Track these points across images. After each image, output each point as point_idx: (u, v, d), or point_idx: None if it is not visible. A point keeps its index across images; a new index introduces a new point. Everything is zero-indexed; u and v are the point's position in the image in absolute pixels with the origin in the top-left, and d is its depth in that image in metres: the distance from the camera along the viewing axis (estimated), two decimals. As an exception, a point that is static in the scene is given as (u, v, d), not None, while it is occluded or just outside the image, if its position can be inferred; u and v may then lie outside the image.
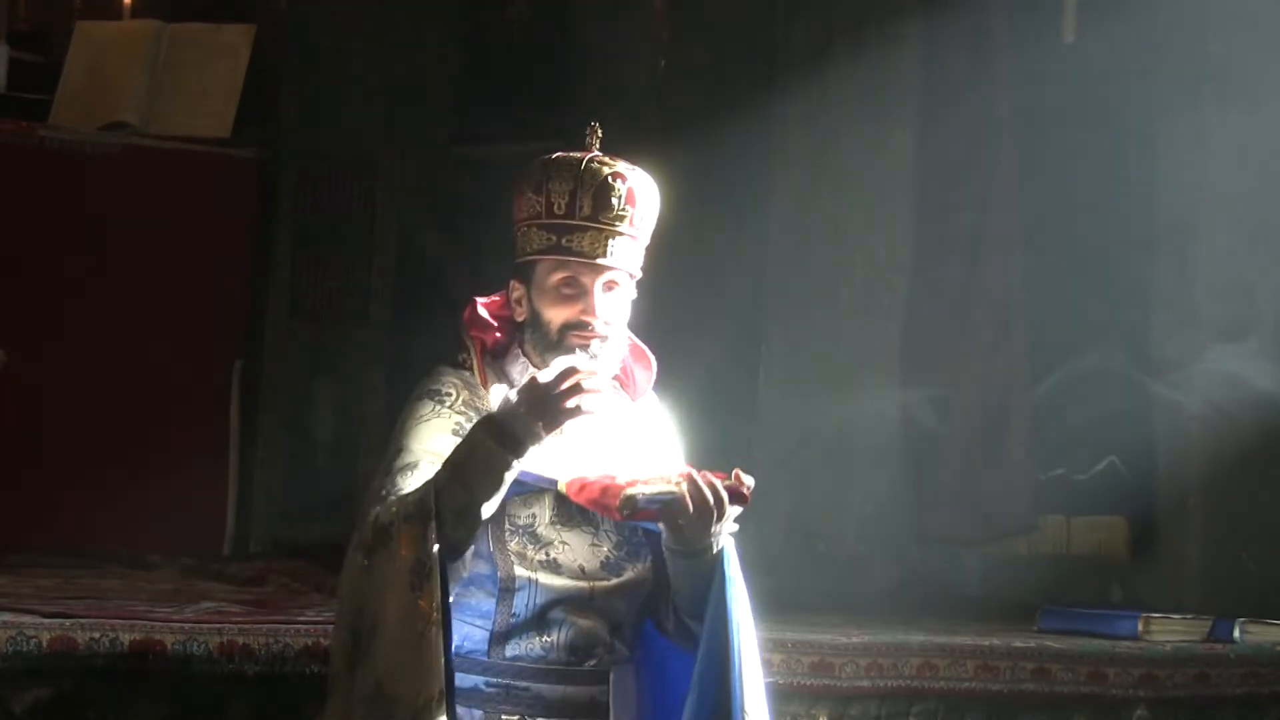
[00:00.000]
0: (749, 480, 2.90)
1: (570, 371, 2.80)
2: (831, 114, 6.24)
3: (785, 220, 6.38)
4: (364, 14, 6.99)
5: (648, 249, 3.05)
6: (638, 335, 3.11)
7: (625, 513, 2.79)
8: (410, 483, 2.88)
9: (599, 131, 3.01)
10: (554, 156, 2.99)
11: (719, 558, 2.95)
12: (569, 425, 2.87)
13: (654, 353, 3.12)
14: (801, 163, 6.33)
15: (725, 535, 2.93)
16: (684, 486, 2.83)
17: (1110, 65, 5.58)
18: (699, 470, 2.87)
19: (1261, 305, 5.37)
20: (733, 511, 2.90)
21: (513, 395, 2.86)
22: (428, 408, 2.98)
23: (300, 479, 6.57)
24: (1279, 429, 5.21)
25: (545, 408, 2.79)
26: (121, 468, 6.00)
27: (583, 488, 2.82)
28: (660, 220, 3.07)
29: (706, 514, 2.86)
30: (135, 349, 6.18)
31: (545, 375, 2.82)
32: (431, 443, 2.94)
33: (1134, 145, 5.54)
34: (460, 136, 7.19)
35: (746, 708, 2.92)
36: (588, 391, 2.79)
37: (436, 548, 2.78)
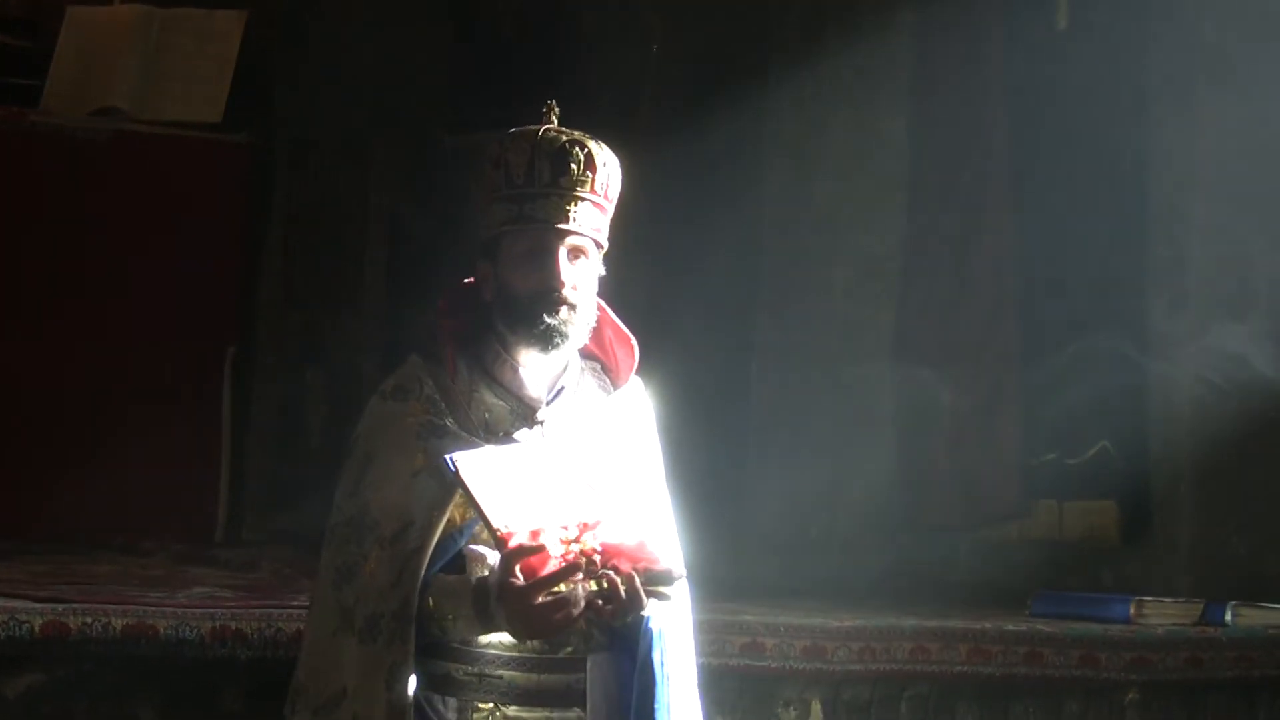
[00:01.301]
0: (680, 570, 2.83)
1: (543, 584, 2.73)
2: (824, 100, 6.24)
3: (778, 206, 6.39)
4: (357, 0, 6.99)
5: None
6: (631, 322, 3.09)
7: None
8: (383, 532, 2.86)
9: (555, 108, 2.99)
10: (510, 131, 2.95)
11: (645, 633, 2.90)
12: (541, 448, 2.87)
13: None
14: (794, 149, 6.33)
15: (651, 607, 2.85)
16: (602, 589, 2.76)
17: (1103, 51, 5.58)
18: (628, 558, 2.79)
19: (1255, 288, 5.38)
20: (659, 594, 2.83)
21: (492, 565, 2.83)
22: (391, 409, 2.95)
23: (292, 465, 6.58)
24: (1271, 412, 5.21)
25: (529, 624, 2.76)
26: (113, 454, 6.00)
27: (510, 548, 2.77)
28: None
29: (619, 614, 2.81)
30: (127, 335, 6.18)
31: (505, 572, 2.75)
32: (396, 458, 2.90)
33: (1127, 130, 5.54)
34: (452, 124, 7.19)
35: None
36: (568, 607, 2.75)
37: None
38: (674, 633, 2.95)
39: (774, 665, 4.28)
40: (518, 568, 2.75)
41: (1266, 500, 5.29)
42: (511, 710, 2.91)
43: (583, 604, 2.76)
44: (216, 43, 6.59)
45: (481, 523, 2.82)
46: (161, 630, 3.79)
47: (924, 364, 5.87)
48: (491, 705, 2.91)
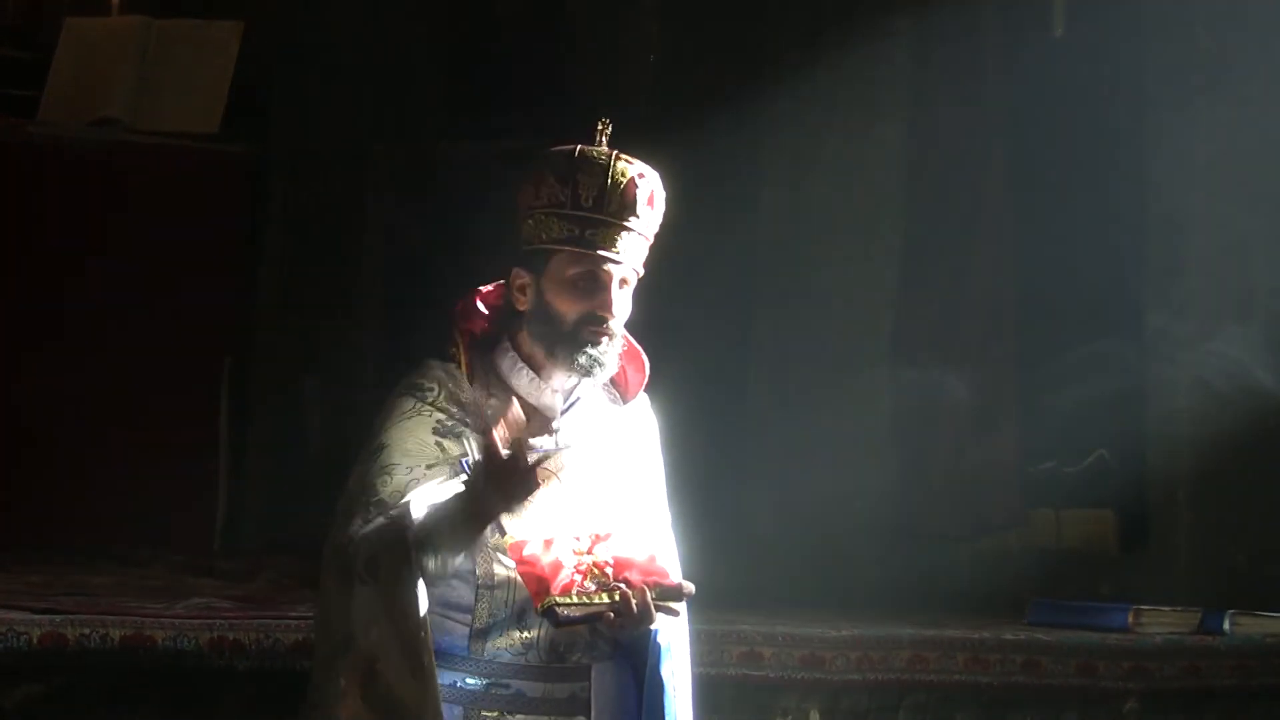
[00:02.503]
0: (689, 587, 2.85)
1: (519, 457, 2.74)
2: (822, 107, 6.24)
3: (775, 214, 6.39)
4: (353, 9, 6.99)
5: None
6: (629, 330, 3.09)
7: (543, 616, 2.79)
8: (388, 489, 2.87)
9: (609, 128, 2.97)
10: (580, 149, 2.93)
11: (653, 646, 2.92)
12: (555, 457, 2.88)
13: (644, 346, 3.11)
14: (792, 156, 6.33)
15: (660, 622, 2.87)
16: (614, 601, 2.78)
17: (1100, 58, 5.58)
18: (639, 571, 2.81)
19: (1253, 297, 5.38)
20: (669, 609, 2.84)
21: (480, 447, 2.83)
22: (408, 404, 2.96)
23: (290, 475, 6.57)
24: (1270, 421, 5.21)
25: (510, 488, 2.76)
26: (112, 464, 6.00)
27: (521, 560, 2.79)
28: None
29: (630, 628, 2.83)
30: (125, 345, 6.18)
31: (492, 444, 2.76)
32: (410, 442, 2.92)
33: (1124, 137, 5.55)
34: (450, 133, 7.19)
35: None
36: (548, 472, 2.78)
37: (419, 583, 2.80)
38: (679, 646, 2.97)
39: (772, 674, 4.28)
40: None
41: (1264, 509, 5.29)
42: (517, 719, 2.91)
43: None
44: (213, 53, 6.59)
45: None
46: (160, 641, 3.78)
47: (922, 372, 5.87)
48: (497, 714, 2.92)
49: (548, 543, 2.80)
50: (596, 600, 2.77)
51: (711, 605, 3.78)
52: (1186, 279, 5.45)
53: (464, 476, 2.86)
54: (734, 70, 6.45)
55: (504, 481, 2.75)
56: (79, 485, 5.94)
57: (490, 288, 3.05)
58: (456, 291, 3.13)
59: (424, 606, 2.81)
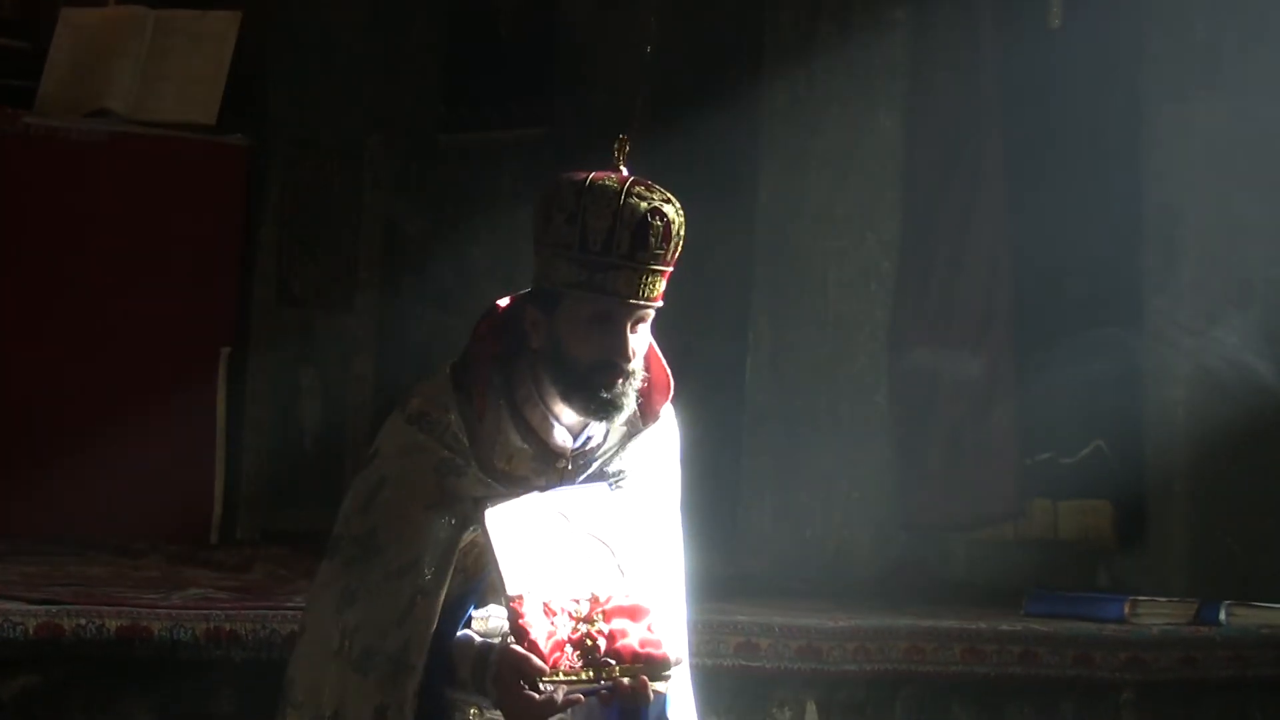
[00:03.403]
0: (679, 659, 2.81)
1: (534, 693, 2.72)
2: (819, 98, 6.24)
3: (772, 204, 6.39)
4: (350, 0, 6.99)
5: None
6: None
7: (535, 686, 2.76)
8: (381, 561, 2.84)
9: (627, 147, 2.84)
10: (589, 182, 2.77)
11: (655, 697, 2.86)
12: (560, 506, 2.83)
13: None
14: (789, 147, 6.33)
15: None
16: (605, 680, 2.75)
17: (1096, 50, 5.58)
18: (632, 652, 2.76)
19: (1250, 288, 5.37)
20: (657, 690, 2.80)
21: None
22: (412, 438, 2.86)
23: (287, 466, 6.58)
24: (1267, 412, 5.21)
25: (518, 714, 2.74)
26: (108, 455, 5.99)
27: (520, 617, 2.74)
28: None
29: (627, 704, 2.78)
30: (121, 337, 6.17)
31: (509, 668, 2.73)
32: (413, 485, 2.85)
33: (1121, 128, 5.54)
34: (447, 124, 7.19)
35: None
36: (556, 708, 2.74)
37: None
38: (680, 683, 2.92)
39: (769, 666, 4.28)
40: (525, 661, 2.72)
41: (1261, 500, 5.29)
42: (497, 715, 2.85)
43: (570, 696, 2.74)
44: (211, 44, 6.58)
45: (496, 578, 2.79)
46: (156, 632, 3.78)
47: (919, 363, 5.87)
48: (474, 709, 2.87)
49: (548, 609, 2.76)
50: (583, 676, 2.74)
51: (708, 596, 3.79)
52: (1183, 270, 5.45)
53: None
54: (731, 61, 6.45)
55: (516, 702, 2.72)
56: (75, 476, 5.93)
57: (509, 302, 2.92)
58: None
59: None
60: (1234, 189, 5.40)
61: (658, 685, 2.76)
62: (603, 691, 2.75)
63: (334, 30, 6.97)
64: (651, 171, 2.94)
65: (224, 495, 6.24)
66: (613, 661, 2.75)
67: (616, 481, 2.93)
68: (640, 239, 2.76)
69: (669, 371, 2.96)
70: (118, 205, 6.28)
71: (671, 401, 3.00)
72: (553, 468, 2.90)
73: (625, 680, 2.73)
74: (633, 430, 2.96)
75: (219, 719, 3.86)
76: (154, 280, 6.22)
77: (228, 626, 3.84)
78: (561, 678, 2.73)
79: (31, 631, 3.68)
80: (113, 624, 3.75)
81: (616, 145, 2.84)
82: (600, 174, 2.80)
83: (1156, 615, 4.80)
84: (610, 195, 2.76)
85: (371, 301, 6.92)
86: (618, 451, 2.95)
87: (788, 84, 6.31)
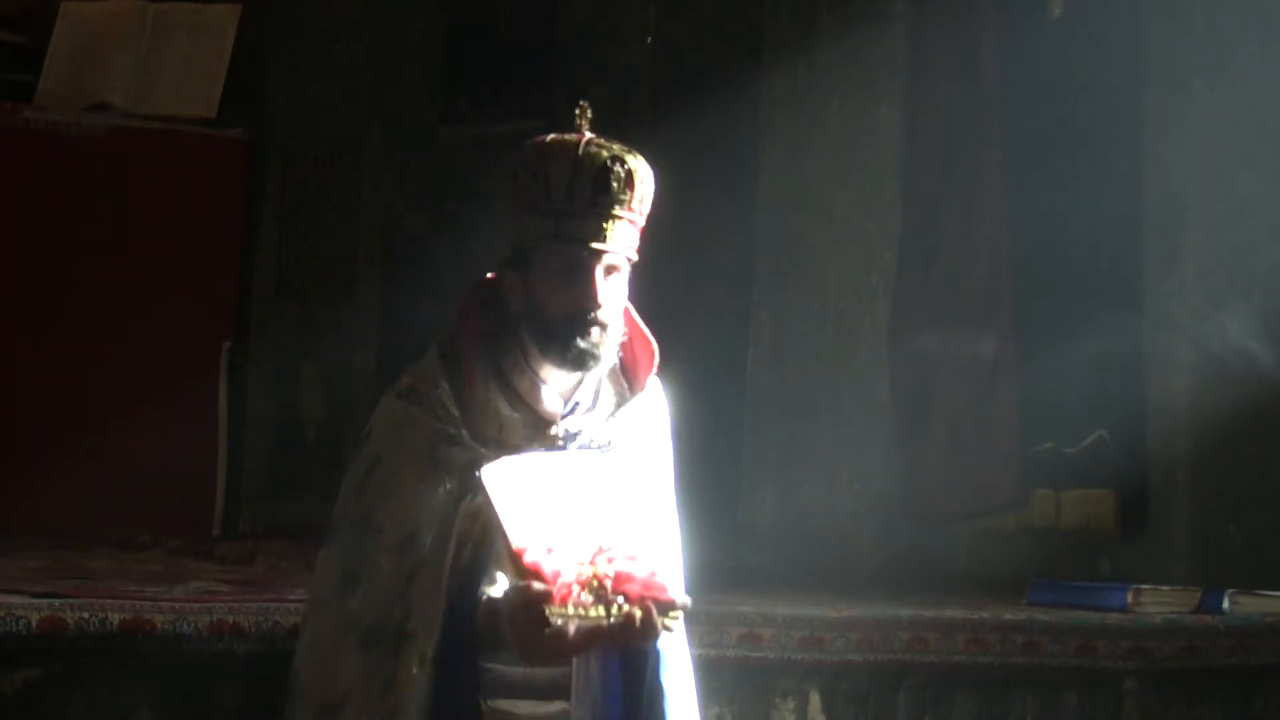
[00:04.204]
0: (687, 601, 2.80)
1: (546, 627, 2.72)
2: (818, 91, 6.24)
3: (773, 197, 6.39)
4: (350, -7, 7.00)
5: (641, 230, 3.00)
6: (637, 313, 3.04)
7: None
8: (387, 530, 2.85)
9: (588, 112, 2.91)
10: (548, 140, 2.87)
11: (652, 653, 2.89)
12: (556, 464, 2.85)
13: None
14: (789, 140, 6.33)
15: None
16: (613, 613, 2.74)
17: (1097, 41, 5.57)
18: (641, 586, 2.77)
19: (1253, 277, 5.37)
20: (667, 626, 2.81)
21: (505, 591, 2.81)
22: (404, 411, 2.91)
23: (289, 459, 6.58)
24: (1269, 400, 5.21)
25: (535, 649, 2.74)
26: (110, 449, 6.00)
27: (525, 561, 2.74)
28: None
29: (630, 644, 2.79)
30: (123, 330, 6.18)
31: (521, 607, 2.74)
32: (406, 461, 2.88)
33: (1122, 120, 5.54)
34: (447, 117, 7.19)
35: None
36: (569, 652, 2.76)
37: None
38: (677, 650, 2.94)
39: (771, 656, 4.27)
40: (529, 589, 2.72)
41: (1264, 488, 5.29)
42: (498, 703, 2.90)
43: (585, 631, 2.74)
44: (210, 37, 6.59)
45: (500, 539, 2.80)
46: (159, 625, 3.78)
47: (920, 354, 5.87)
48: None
49: (549, 550, 2.76)
50: (593, 613, 2.74)
51: (711, 587, 3.79)
52: (1186, 259, 5.44)
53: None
54: (731, 52, 6.45)
55: (534, 646, 2.73)
56: (77, 470, 5.94)
57: (493, 276, 2.99)
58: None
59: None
60: (1236, 178, 5.40)
61: (668, 621, 2.77)
62: (612, 626, 2.74)
63: (333, 23, 6.97)
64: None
65: (226, 489, 6.26)
66: (622, 600, 2.75)
67: (607, 449, 2.95)
68: (602, 185, 2.84)
69: (653, 341, 3.01)
70: (118, 199, 6.28)
71: (659, 374, 3.04)
72: (544, 435, 2.93)
73: (636, 613, 2.73)
74: (621, 400, 3.01)
75: (222, 712, 3.85)
76: (154, 274, 6.23)
77: (231, 619, 3.84)
78: (570, 612, 2.73)
79: (34, 625, 3.67)
80: (116, 617, 3.75)
81: (578, 110, 2.91)
82: (560, 134, 2.89)
83: (1159, 604, 4.80)
84: (570, 147, 2.85)
85: (372, 294, 6.92)
86: (607, 421, 2.98)
87: (787, 76, 6.31)
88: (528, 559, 2.74)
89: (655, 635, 2.76)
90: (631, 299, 2.99)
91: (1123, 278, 5.51)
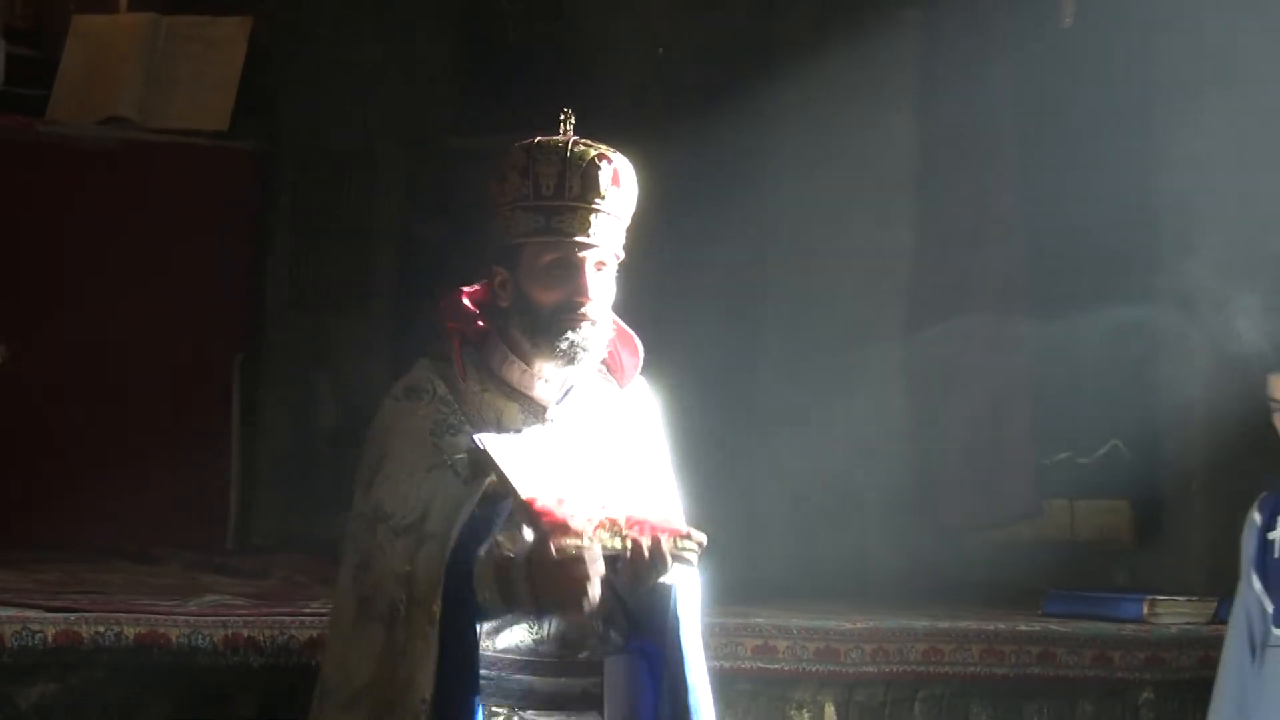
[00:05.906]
0: (702, 536, 2.83)
1: (574, 563, 2.73)
2: (830, 97, 6.23)
3: (785, 204, 6.38)
4: (362, 5, 6.99)
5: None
6: (640, 321, 3.08)
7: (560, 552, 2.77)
8: (398, 515, 2.87)
9: (571, 119, 2.99)
10: (537, 140, 2.95)
11: (667, 592, 2.91)
12: (556, 439, 2.87)
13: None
14: (801, 146, 6.32)
15: (674, 573, 2.85)
16: (626, 545, 2.77)
17: (1108, 48, 5.57)
18: (651, 526, 2.80)
19: (1268, 285, 5.36)
20: (683, 557, 2.82)
21: (513, 543, 2.82)
22: (402, 408, 2.96)
23: (302, 471, 6.57)
24: (1282, 409, 5.19)
25: (551, 582, 2.75)
26: (124, 462, 6.00)
27: (535, 512, 2.77)
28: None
29: (644, 574, 2.80)
30: (136, 343, 6.18)
31: (532, 546, 2.75)
32: (409, 449, 2.91)
33: (1133, 124, 5.53)
34: (458, 127, 7.18)
35: None
36: (587, 584, 2.75)
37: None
38: (693, 617, 2.94)
39: (787, 667, 4.28)
40: (545, 523, 2.74)
41: (1279, 498, 5.27)
42: (529, 715, 2.90)
43: (601, 563, 2.74)
44: (222, 50, 6.60)
45: (511, 502, 2.81)
46: (174, 638, 3.79)
47: (934, 364, 5.86)
48: (508, 710, 2.90)
49: (559, 500, 2.79)
50: (608, 543, 2.76)
51: (725, 599, 3.78)
52: (1199, 266, 5.43)
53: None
54: (742, 62, 6.44)
55: (551, 582, 2.74)
56: (91, 484, 5.94)
57: (476, 287, 3.04)
58: (467, 286, 3.12)
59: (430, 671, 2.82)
60: (1246, 184, 5.39)
61: (683, 550, 2.79)
62: (626, 555, 2.76)
63: (345, 35, 6.97)
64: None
65: (240, 501, 6.25)
66: (636, 534, 2.77)
67: (603, 430, 2.98)
68: (590, 181, 2.91)
69: (638, 341, 3.05)
70: (130, 212, 6.29)
71: (648, 373, 3.07)
72: (540, 421, 2.96)
73: (644, 540, 2.76)
74: (610, 395, 3.04)
75: (237, 725, 3.86)
76: (167, 286, 6.23)
77: (245, 633, 3.84)
78: (586, 542, 2.74)
79: (51, 639, 3.69)
80: (131, 631, 3.76)
81: (561, 117, 2.98)
82: (545, 136, 2.97)
83: (1175, 614, 4.79)
84: (558, 146, 2.94)
85: (385, 305, 6.92)
86: (598, 412, 3.01)
87: (800, 84, 6.30)
88: (539, 505, 2.76)
89: (666, 566, 2.78)
90: (641, 308, 3.02)
91: (1137, 284, 5.51)
